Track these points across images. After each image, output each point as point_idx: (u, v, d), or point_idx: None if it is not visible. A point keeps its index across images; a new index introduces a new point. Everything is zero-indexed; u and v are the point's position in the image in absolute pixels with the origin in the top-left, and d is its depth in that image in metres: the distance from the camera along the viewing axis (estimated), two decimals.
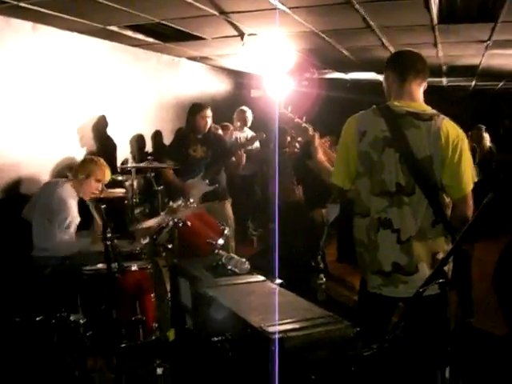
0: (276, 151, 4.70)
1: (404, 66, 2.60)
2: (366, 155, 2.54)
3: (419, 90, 2.61)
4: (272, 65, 7.62)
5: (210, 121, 5.16)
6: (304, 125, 3.28)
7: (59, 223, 3.87)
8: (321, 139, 3.34)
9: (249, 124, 7.22)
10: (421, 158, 2.45)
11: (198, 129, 5.14)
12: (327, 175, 2.75)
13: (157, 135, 7.16)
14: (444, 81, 9.25)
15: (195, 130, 5.16)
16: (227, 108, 8.00)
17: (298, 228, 5.39)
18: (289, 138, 5.78)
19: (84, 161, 4.36)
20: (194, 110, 5.20)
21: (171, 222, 3.74)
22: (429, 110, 2.56)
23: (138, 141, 6.78)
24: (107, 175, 4.27)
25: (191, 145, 5.16)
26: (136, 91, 6.62)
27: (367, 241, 2.57)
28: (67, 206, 3.93)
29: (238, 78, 9.42)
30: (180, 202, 3.87)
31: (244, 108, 7.25)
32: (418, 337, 2.53)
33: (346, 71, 8.85)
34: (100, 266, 3.50)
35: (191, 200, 3.95)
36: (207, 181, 5.06)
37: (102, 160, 4.32)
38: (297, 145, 6.09)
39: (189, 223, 3.74)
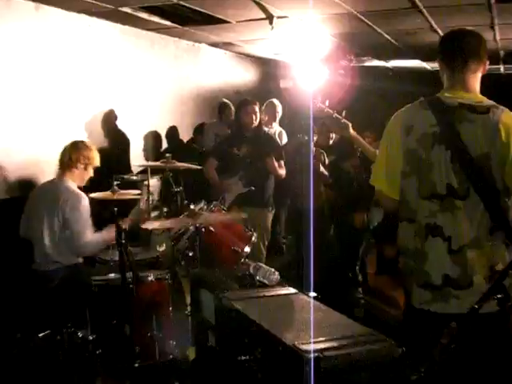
0: (311, 149, 4.70)
1: (455, 48, 2.56)
2: (412, 153, 2.53)
3: (475, 78, 2.57)
4: (304, 52, 7.61)
5: (256, 117, 5.21)
6: (344, 120, 3.27)
7: (84, 223, 3.91)
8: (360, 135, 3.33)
9: (278, 119, 7.23)
10: (476, 156, 2.42)
11: (244, 126, 5.22)
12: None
13: (174, 131, 7.22)
14: (502, 68, 9.13)
15: (241, 127, 5.25)
16: (254, 100, 8.03)
17: (327, 235, 5.39)
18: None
19: (78, 148, 4.23)
20: (239, 105, 5.33)
21: (192, 227, 3.77)
22: (485, 101, 2.53)
23: (154, 137, 6.85)
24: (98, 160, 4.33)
25: (236, 144, 5.24)
26: (151, 81, 6.69)
27: (413, 249, 2.55)
28: (82, 204, 3.97)
29: (265, 66, 9.44)
30: (202, 205, 3.89)
31: (274, 101, 7.26)
32: (473, 361, 2.50)
33: (387, 59, 8.80)
34: (112, 275, 3.54)
35: (214, 202, 3.98)
36: (243, 182, 5.12)
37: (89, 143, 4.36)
38: (330, 141, 6.12)
39: (212, 229, 3.76)
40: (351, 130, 3.34)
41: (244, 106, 5.20)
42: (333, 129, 3.58)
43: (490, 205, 2.43)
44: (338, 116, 3.24)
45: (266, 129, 6.81)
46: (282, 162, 5.31)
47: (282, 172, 5.30)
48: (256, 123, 5.22)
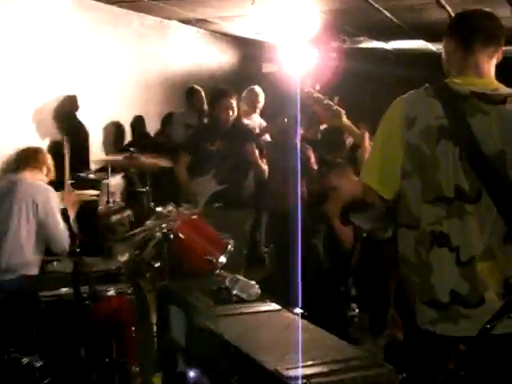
0: (298, 142, 4.70)
1: (470, 29, 2.56)
2: (415, 149, 2.52)
3: (490, 62, 2.57)
4: (290, 31, 7.62)
5: (233, 112, 5.22)
6: (336, 107, 3.28)
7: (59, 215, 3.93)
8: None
9: (258, 110, 7.23)
10: (489, 153, 2.42)
11: (219, 121, 5.22)
12: None
13: (139, 120, 7.19)
14: None
15: (215, 122, 5.25)
16: (231, 87, 8.01)
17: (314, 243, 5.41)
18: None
19: (40, 152, 4.37)
20: (213, 98, 5.32)
21: (159, 234, 3.74)
22: (502, 89, 2.53)
23: (115, 128, 6.81)
24: None
25: (210, 138, 5.24)
26: (112, 64, 6.65)
27: (416, 260, 2.55)
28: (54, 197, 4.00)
29: (245, 47, 9.44)
30: (171, 208, 3.87)
31: (256, 89, 7.24)
32: None
33: (386, 39, 8.85)
34: (64, 290, 3.50)
35: (184, 205, 3.97)
36: (217, 179, 5.11)
37: None
38: (319, 135, 6.14)
39: (181, 235, 3.74)
40: (344, 119, 3.34)
41: (219, 100, 5.20)
42: (323, 117, 3.59)
43: (505, 209, 2.43)
44: (329, 102, 3.24)
45: (245, 121, 6.83)
46: (263, 159, 5.31)
47: (264, 166, 5.30)
48: (232, 118, 5.22)
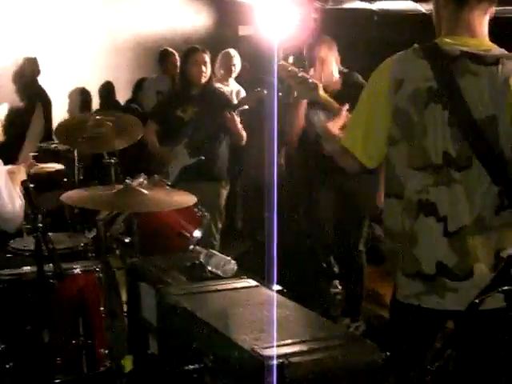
0: (274, 112, 4.66)
1: None
2: (402, 113, 2.51)
3: (483, 19, 2.55)
4: None
5: (206, 69, 5.16)
6: (312, 80, 3.25)
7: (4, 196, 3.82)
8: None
9: (234, 74, 7.19)
10: (480, 117, 2.42)
11: (191, 81, 5.17)
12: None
13: (108, 87, 7.14)
14: None
15: (187, 83, 5.19)
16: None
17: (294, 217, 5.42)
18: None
19: None
20: (185, 54, 5.29)
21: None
22: (495, 49, 2.52)
23: (82, 95, 6.75)
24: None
25: (181, 104, 5.17)
26: (77, 26, 6.58)
27: (401, 231, 2.55)
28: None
29: (220, 8, 9.35)
30: (141, 179, 3.84)
31: (230, 51, 7.22)
32: (473, 368, 2.53)
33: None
34: (26, 268, 3.48)
35: (156, 177, 3.94)
36: (189, 150, 5.06)
37: None
38: None
39: None
40: (321, 92, 3.32)
41: (190, 56, 5.15)
42: (298, 91, 3.56)
43: (497, 177, 2.43)
44: (304, 75, 3.20)
45: (219, 85, 6.78)
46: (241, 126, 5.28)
47: (244, 134, 5.27)
48: (206, 78, 5.17)
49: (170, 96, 5.57)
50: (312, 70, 3.30)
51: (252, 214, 7.30)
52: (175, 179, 5.01)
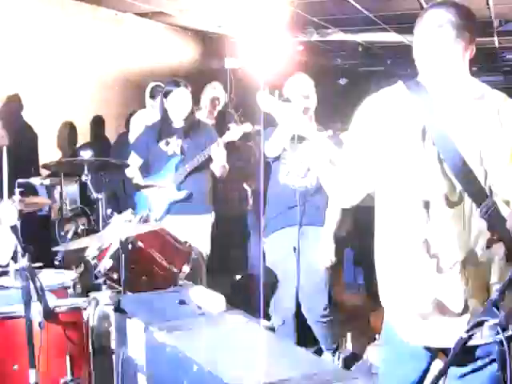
0: (262, 145, 4.67)
1: (440, 21, 2.58)
2: (391, 150, 2.52)
3: (464, 56, 2.59)
4: (254, 24, 7.62)
5: (188, 105, 5.15)
6: (292, 108, 3.25)
7: None
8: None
9: (219, 107, 7.22)
10: (469, 153, 2.44)
11: (173, 116, 5.15)
12: None
13: (96, 123, 7.13)
14: (496, 41, 9.31)
15: (169, 117, 5.18)
16: (193, 84, 7.95)
17: None
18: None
19: None
20: (166, 89, 5.21)
21: (116, 243, 3.70)
22: (478, 84, 2.54)
23: (70, 130, 6.73)
24: None
25: (164, 137, 5.16)
26: (65, 61, 6.59)
27: (394, 268, 2.55)
28: None
29: (207, 42, 9.42)
30: (129, 215, 3.83)
31: (215, 84, 7.24)
32: None
33: (356, 31, 8.89)
34: (13, 307, 3.44)
35: (148, 213, 3.93)
36: (176, 185, 5.05)
37: None
38: None
39: (141, 244, 3.71)
40: (302, 120, 3.32)
41: (169, 92, 5.13)
42: (279, 119, 3.58)
43: (487, 212, 2.44)
44: (284, 102, 3.22)
45: (203, 119, 6.81)
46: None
47: (227, 166, 5.26)
48: (188, 112, 5.16)
49: (151, 128, 5.43)
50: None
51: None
52: (163, 214, 5.00)
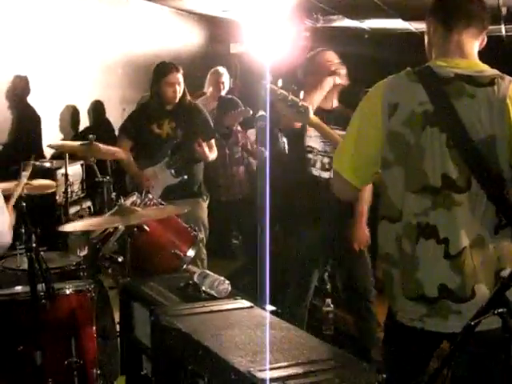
0: (267, 133, 4.65)
1: (451, 9, 2.58)
2: (398, 137, 2.52)
3: (473, 43, 2.58)
4: (259, 8, 7.59)
5: (180, 88, 5.13)
6: (302, 103, 3.24)
7: None
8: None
9: (223, 92, 7.21)
10: (478, 139, 2.43)
11: (165, 99, 5.12)
12: None
13: (99, 106, 7.12)
14: (503, 29, 9.26)
15: (161, 100, 5.14)
16: (197, 68, 7.97)
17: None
18: None
19: None
20: (158, 73, 5.16)
21: (122, 227, 3.70)
22: (488, 70, 2.54)
23: (73, 113, 6.73)
24: None
25: (156, 119, 5.13)
26: (68, 44, 6.57)
27: (399, 255, 2.55)
28: None
29: (212, 26, 9.39)
30: (135, 198, 3.84)
31: (219, 69, 7.24)
32: None
33: (362, 18, 8.86)
34: (18, 288, 3.46)
35: (150, 196, 3.93)
36: (172, 170, 5.03)
37: None
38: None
39: (147, 228, 3.72)
40: (311, 115, 3.32)
41: (165, 75, 5.10)
42: (289, 114, 3.54)
43: (496, 197, 2.44)
44: (294, 98, 3.20)
45: (212, 104, 6.79)
46: (213, 141, 5.23)
47: (213, 155, 5.25)
48: (179, 95, 5.12)
49: (143, 110, 5.38)
50: (302, 92, 3.29)
51: (243, 233, 7.32)
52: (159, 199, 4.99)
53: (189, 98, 5.28)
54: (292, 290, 4.39)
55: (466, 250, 2.44)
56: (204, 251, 5.14)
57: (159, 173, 5.06)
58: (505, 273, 2.38)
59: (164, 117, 5.13)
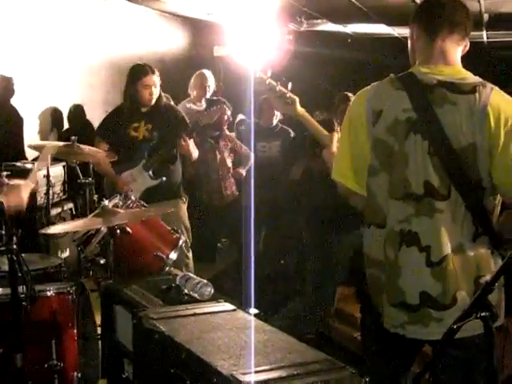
0: (252, 130, 4.65)
1: (435, 15, 2.58)
2: (382, 144, 2.53)
3: (457, 49, 2.59)
4: (243, 12, 7.59)
5: (156, 90, 5.10)
6: (290, 95, 3.24)
7: None
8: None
9: (208, 94, 7.21)
10: (459, 147, 2.44)
11: (141, 101, 5.08)
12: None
13: (80, 107, 7.08)
14: (484, 35, 9.32)
15: (137, 102, 5.10)
16: (181, 71, 7.95)
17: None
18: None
19: None
20: (134, 75, 5.11)
21: (104, 228, 3.68)
22: (470, 77, 2.54)
23: (54, 114, 6.69)
24: None
25: (132, 121, 5.09)
26: (52, 45, 6.53)
27: (384, 261, 2.56)
28: None
29: (196, 29, 9.38)
30: (117, 200, 3.81)
31: (204, 72, 7.23)
32: None
33: (345, 22, 8.89)
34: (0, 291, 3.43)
35: (132, 197, 3.90)
36: (150, 172, 5.00)
37: None
38: (274, 120, 6.30)
39: (129, 230, 3.70)
40: (298, 107, 3.32)
41: (141, 77, 5.05)
42: (276, 105, 3.55)
43: (474, 206, 2.45)
44: (282, 89, 3.20)
45: (193, 106, 6.79)
46: (192, 141, 5.19)
47: (196, 153, 5.24)
48: (154, 98, 5.08)
49: (118, 113, 5.28)
50: (290, 84, 3.29)
51: (226, 235, 7.32)
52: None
53: (164, 99, 5.26)
54: None
55: (447, 257, 2.44)
56: (189, 254, 5.11)
57: (137, 176, 5.02)
58: (484, 279, 2.40)
59: (139, 119, 5.10)
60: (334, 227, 4.62)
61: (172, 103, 5.96)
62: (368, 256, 2.62)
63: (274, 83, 3.23)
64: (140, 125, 5.08)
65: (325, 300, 4.82)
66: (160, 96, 5.15)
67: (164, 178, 5.04)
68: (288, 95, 3.24)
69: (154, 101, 5.07)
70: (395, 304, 2.52)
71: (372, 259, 2.60)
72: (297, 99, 3.29)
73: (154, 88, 5.05)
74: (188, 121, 5.29)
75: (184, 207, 5.26)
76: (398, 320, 2.52)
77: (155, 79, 5.05)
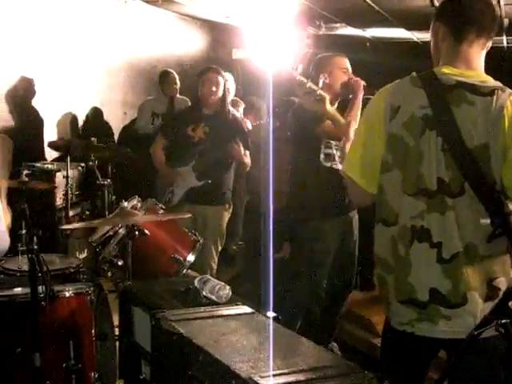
0: (270, 134, 4.66)
1: (465, 17, 2.56)
2: (397, 140, 2.53)
3: (481, 54, 2.58)
4: (262, 15, 7.59)
5: (218, 89, 5.11)
6: (320, 92, 3.22)
7: None
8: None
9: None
10: (473, 146, 2.44)
11: (202, 100, 5.13)
12: None
13: (99, 109, 7.12)
14: (505, 40, 9.26)
15: (199, 101, 5.16)
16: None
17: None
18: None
19: None
20: (199, 74, 5.25)
21: (122, 230, 3.70)
22: (490, 81, 2.54)
23: (73, 116, 6.72)
24: None
25: (191, 121, 5.15)
26: (72, 47, 6.57)
27: (393, 258, 2.55)
28: None
29: (215, 32, 9.39)
30: (135, 202, 3.83)
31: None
32: None
33: (364, 26, 8.87)
34: (18, 290, 3.44)
35: (152, 200, 3.92)
36: (196, 173, 5.04)
37: None
38: None
39: (147, 232, 3.70)
40: (328, 105, 3.30)
41: (203, 74, 5.12)
42: (305, 102, 3.52)
43: (490, 205, 2.44)
44: (312, 86, 3.18)
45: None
46: (248, 152, 5.25)
47: (248, 161, 5.26)
48: (218, 97, 5.13)
49: (181, 113, 5.53)
50: (321, 81, 3.27)
51: (244, 238, 7.31)
52: (180, 199, 5.00)
53: (231, 108, 5.32)
54: None
55: (458, 255, 2.43)
56: (216, 259, 5.13)
57: (186, 174, 5.07)
58: (498, 282, 2.39)
59: (200, 120, 5.16)
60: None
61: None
62: (376, 254, 2.63)
63: (303, 79, 3.21)
64: (199, 126, 5.12)
65: (339, 304, 4.80)
66: (224, 100, 5.18)
67: (209, 181, 5.06)
68: (318, 92, 3.22)
69: (213, 99, 5.10)
70: (404, 300, 2.51)
71: (378, 258, 2.61)
72: (327, 97, 3.27)
73: (216, 87, 5.06)
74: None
75: (226, 215, 5.27)
76: (405, 317, 2.52)
77: (219, 78, 5.08)
